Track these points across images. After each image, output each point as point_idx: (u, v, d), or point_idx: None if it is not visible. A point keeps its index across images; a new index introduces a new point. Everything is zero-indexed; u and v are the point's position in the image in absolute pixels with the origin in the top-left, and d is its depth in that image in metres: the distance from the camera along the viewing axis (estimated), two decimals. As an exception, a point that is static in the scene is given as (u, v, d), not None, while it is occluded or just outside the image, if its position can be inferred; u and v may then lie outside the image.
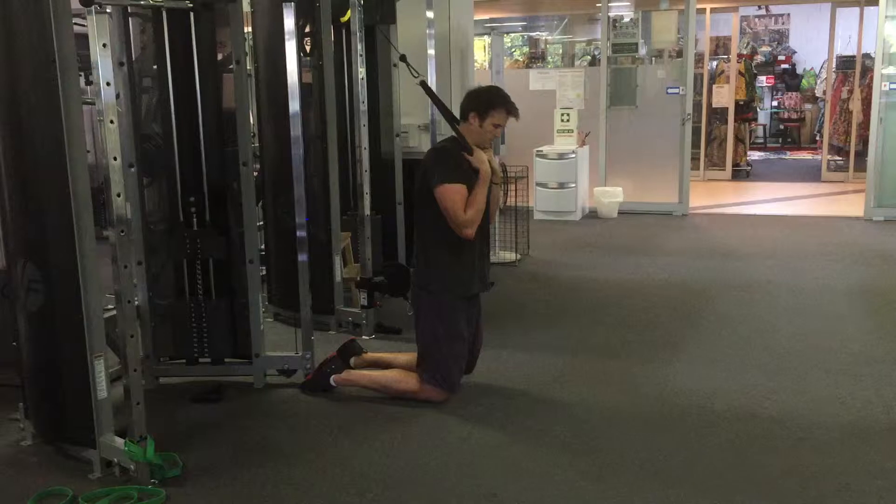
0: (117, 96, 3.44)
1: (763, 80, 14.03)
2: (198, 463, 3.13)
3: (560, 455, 3.19)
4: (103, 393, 2.97)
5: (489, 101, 3.63)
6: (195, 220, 3.80)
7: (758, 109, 13.03)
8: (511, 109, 3.66)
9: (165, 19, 3.65)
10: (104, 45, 2.70)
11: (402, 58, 4.27)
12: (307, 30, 4.70)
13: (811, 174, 11.19)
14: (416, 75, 3.99)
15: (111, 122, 2.76)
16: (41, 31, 2.76)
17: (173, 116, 3.72)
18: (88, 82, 3.31)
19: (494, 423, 3.51)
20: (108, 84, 2.74)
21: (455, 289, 3.66)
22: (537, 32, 13.38)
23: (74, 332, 2.93)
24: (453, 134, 3.69)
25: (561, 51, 13.18)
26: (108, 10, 3.02)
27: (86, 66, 2.86)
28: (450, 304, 3.66)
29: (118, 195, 2.81)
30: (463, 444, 3.29)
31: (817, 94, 13.74)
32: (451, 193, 3.49)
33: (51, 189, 2.90)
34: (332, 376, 3.83)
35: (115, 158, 2.78)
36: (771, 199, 9.59)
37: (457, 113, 3.72)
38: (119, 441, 2.98)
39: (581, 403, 3.70)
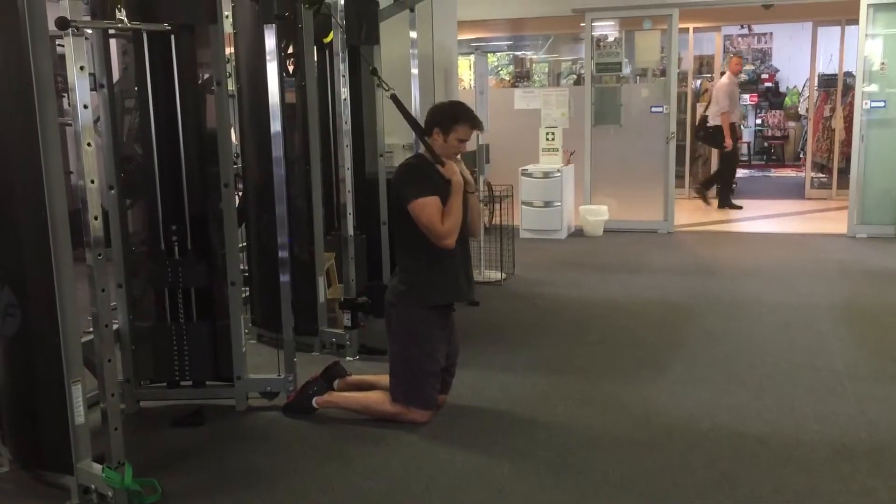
0: (97, 119, 3.44)
1: (746, 99, 14.14)
2: (178, 488, 3.09)
3: (544, 476, 3.17)
4: (81, 418, 2.92)
5: (452, 116, 3.63)
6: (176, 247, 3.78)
7: (741, 127, 13.12)
8: (475, 124, 3.66)
9: (146, 41, 3.64)
10: (81, 68, 2.68)
11: (374, 71, 4.26)
12: (290, 50, 4.71)
13: (795, 191, 11.25)
14: (388, 88, 3.97)
15: (88, 144, 2.73)
16: (18, 53, 2.75)
17: (154, 138, 3.70)
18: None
19: (478, 444, 3.48)
20: (85, 106, 2.72)
21: (431, 295, 3.63)
22: (522, 52, 13.46)
23: (51, 356, 2.90)
24: (419, 151, 3.68)
25: (547, 70, 13.26)
26: (88, 32, 3.01)
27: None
28: (423, 319, 3.62)
29: (95, 218, 2.78)
30: (446, 466, 3.26)
31: (800, 112, 13.85)
32: (426, 207, 3.49)
33: (27, 213, 2.87)
34: (315, 398, 3.80)
35: (92, 181, 2.75)
36: (755, 217, 9.63)
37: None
38: (97, 467, 2.93)
39: (565, 424, 3.68)
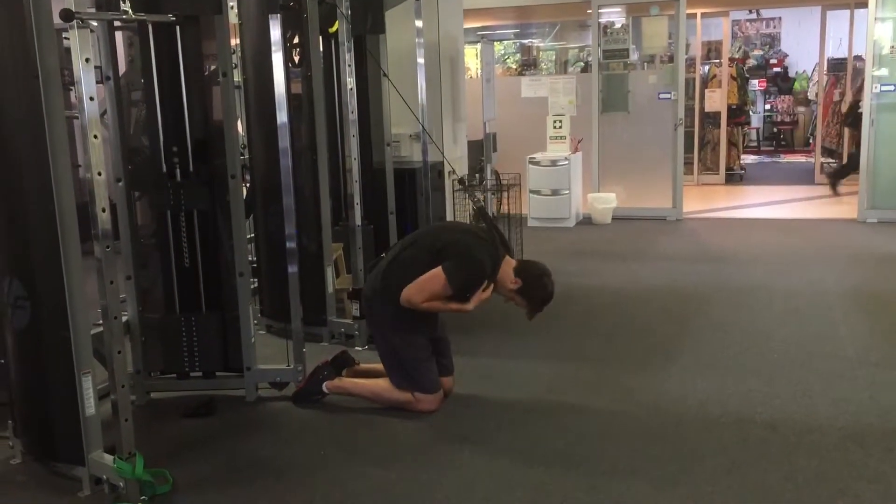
0: (103, 112, 3.45)
1: (755, 84, 14.06)
2: (189, 479, 3.10)
3: (553, 465, 3.17)
4: (91, 410, 2.94)
5: (537, 297, 3.72)
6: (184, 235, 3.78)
7: (750, 113, 13.06)
8: (532, 314, 3.77)
9: (151, 33, 3.64)
10: (87, 60, 2.68)
11: (461, 182, 4.41)
12: (295, 41, 4.70)
13: (805, 177, 11.20)
14: (476, 201, 4.12)
15: (95, 137, 2.74)
16: (24, 46, 2.75)
17: (160, 129, 3.70)
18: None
19: (487, 433, 3.49)
20: (91, 99, 2.72)
21: (404, 317, 3.66)
22: (529, 40, 13.40)
23: (61, 348, 2.91)
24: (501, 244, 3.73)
25: (553, 57, 13.20)
26: (93, 24, 3.01)
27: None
28: (400, 311, 3.62)
29: (103, 210, 2.78)
30: (455, 456, 3.27)
31: (810, 97, 13.76)
32: (437, 286, 3.51)
33: (35, 205, 2.88)
34: (325, 382, 3.82)
35: (99, 174, 2.75)
36: (765, 203, 9.60)
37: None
38: (108, 458, 2.95)
39: (574, 412, 3.68)
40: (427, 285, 3.51)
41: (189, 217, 3.79)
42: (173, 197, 3.75)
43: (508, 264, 3.70)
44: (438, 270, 3.50)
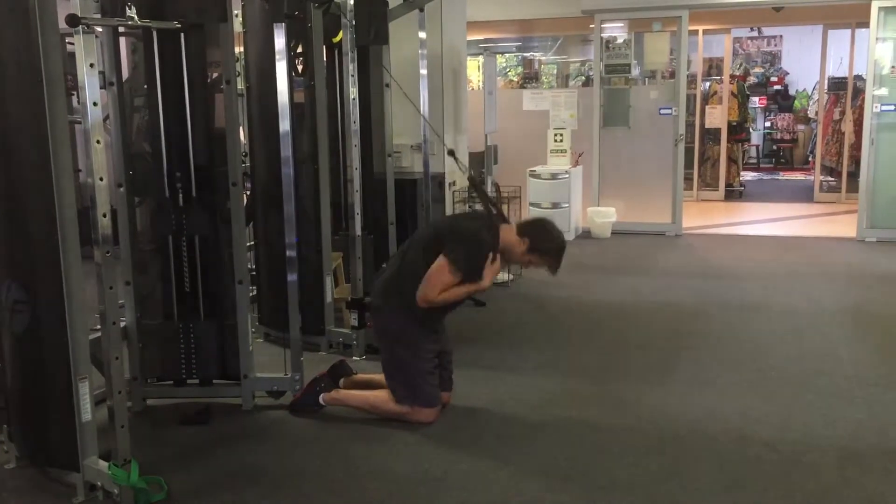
0: (106, 117, 3.45)
1: (756, 101, 14.09)
2: (184, 487, 3.09)
3: (551, 479, 3.16)
4: (87, 416, 2.93)
5: (549, 248, 3.64)
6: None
7: (751, 130, 13.08)
8: (554, 267, 3.67)
9: (156, 39, 3.64)
10: (91, 65, 2.68)
11: (451, 153, 4.37)
12: (299, 50, 4.71)
13: (804, 195, 11.21)
14: (464, 170, 4.07)
15: (97, 142, 2.73)
16: (28, 49, 2.75)
17: (163, 136, 3.70)
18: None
19: (485, 446, 3.47)
20: (94, 104, 2.72)
21: (412, 327, 3.65)
22: (531, 53, 13.44)
23: (59, 354, 2.90)
24: (502, 227, 3.67)
25: (555, 71, 13.24)
26: (98, 30, 3.02)
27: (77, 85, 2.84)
28: (408, 321, 3.63)
29: (104, 215, 2.78)
30: (453, 468, 3.25)
31: (810, 115, 13.80)
32: (445, 275, 3.49)
33: (36, 209, 2.87)
34: (322, 395, 3.80)
35: (101, 179, 2.75)
36: (764, 220, 9.60)
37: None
38: (103, 464, 2.94)
39: (573, 426, 3.67)
40: (435, 279, 3.49)
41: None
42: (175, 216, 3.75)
43: (509, 231, 3.67)
44: (442, 260, 3.49)
